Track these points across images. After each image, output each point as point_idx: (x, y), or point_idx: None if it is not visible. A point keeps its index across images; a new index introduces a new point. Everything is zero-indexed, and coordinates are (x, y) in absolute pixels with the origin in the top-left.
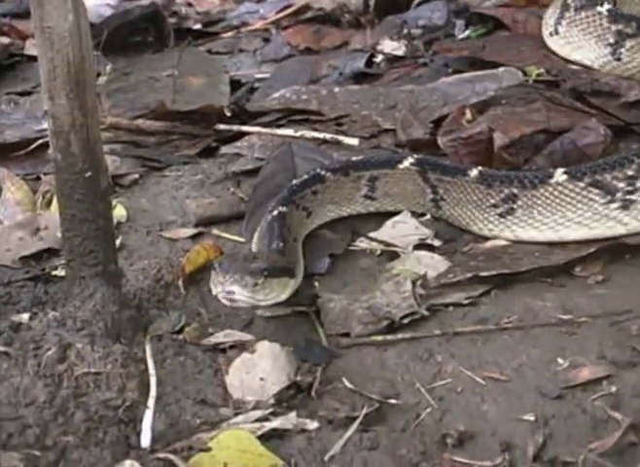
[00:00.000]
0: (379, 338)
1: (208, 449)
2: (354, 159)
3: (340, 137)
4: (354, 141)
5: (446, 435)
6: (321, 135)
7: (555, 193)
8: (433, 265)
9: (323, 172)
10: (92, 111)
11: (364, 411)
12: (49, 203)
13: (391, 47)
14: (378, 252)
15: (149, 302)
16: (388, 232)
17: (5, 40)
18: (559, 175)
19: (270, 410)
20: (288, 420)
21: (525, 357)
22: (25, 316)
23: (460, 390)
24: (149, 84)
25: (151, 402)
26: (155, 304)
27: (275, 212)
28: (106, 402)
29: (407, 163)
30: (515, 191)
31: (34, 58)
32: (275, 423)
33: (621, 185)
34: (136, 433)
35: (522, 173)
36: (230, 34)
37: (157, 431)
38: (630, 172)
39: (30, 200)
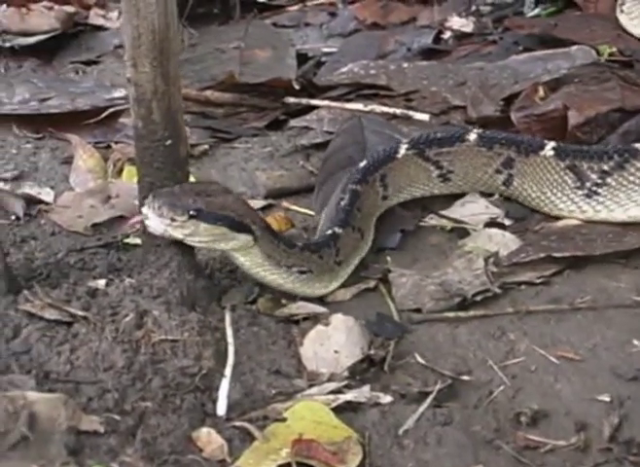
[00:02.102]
0: (451, 314)
1: (283, 420)
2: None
3: (411, 113)
4: (425, 117)
5: (520, 413)
6: (391, 110)
7: None
8: (504, 243)
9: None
10: (175, 79)
11: (437, 386)
12: (120, 172)
13: (459, 23)
14: (449, 228)
15: (220, 271)
16: (458, 210)
17: (70, 9)
18: None
19: (344, 382)
20: (362, 393)
21: (599, 338)
22: (102, 282)
23: (533, 369)
24: (215, 55)
25: (228, 370)
26: (226, 274)
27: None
28: (183, 369)
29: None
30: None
31: (98, 28)
32: (349, 396)
33: None
34: (212, 401)
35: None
36: (295, 8)
37: (232, 400)
38: None
39: (101, 168)
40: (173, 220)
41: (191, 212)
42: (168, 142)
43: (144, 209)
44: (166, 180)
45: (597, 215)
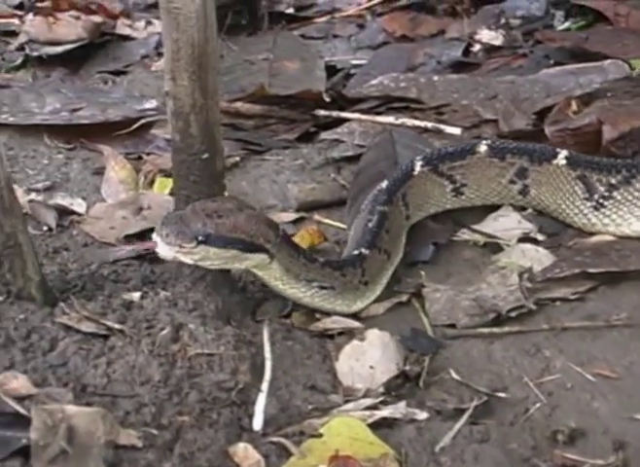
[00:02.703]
0: (486, 330)
1: (319, 435)
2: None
3: (442, 126)
4: (456, 130)
5: (557, 431)
6: (422, 124)
7: None
8: (538, 258)
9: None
10: (213, 93)
11: (473, 403)
12: (151, 183)
13: (489, 36)
14: (481, 243)
15: (254, 284)
16: (490, 224)
17: (97, 19)
18: None
19: (380, 398)
20: (397, 409)
21: (636, 355)
22: (136, 295)
23: (569, 386)
24: (244, 67)
25: (265, 385)
26: (259, 287)
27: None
28: (219, 384)
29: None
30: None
31: (124, 38)
32: (385, 412)
33: None
34: (248, 416)
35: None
36: (323, 19)
37: (268, 415)
38: None
39: (133, 180)
40: (182, 247)
41: (199, 238)
42: (205, 155)
43: (153, 236)
44: (202, 193)
45: (605, 228)
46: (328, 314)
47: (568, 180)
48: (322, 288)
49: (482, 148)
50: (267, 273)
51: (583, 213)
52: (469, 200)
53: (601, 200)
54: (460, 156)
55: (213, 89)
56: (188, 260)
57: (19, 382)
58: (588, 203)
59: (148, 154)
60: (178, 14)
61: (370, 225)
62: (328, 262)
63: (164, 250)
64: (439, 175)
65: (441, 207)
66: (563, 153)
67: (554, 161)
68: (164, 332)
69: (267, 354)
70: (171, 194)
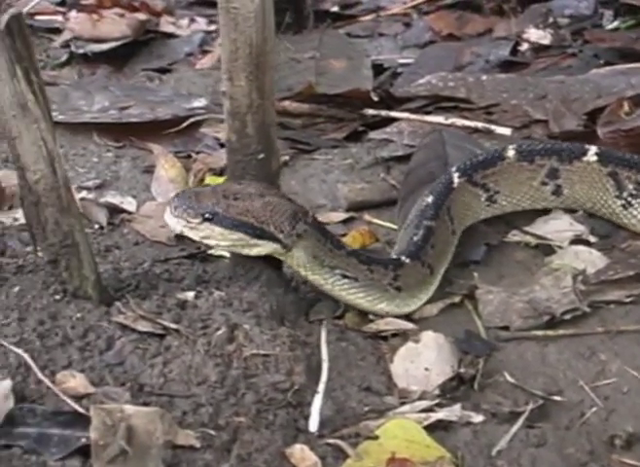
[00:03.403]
0: (540, 333)
1: (375, 438)
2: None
3: (492, 126)
4: (507, 131)
5: (614, 436)
6: (472, 124)
7: None
8: (591, 261)
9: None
10: (269, 93)
11: (529, 406)
12: (201, 182)
13: (537, 35)
14: (533, 245)
15: (306, 285)
16: (541, 226)
17: (141, 16)
18: None
19: (436, 401)
20: (453, 412)
21: None
22: (191, 294)
23: (626, 390)
24: (291, 65)
25: (321, 387)
26: (311, 287)
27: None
28: (275, 384)
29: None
30: None
31: (168, 35)
32: (441, 414)
33: None
34: (304, 417)
35: None
36: (368, 17)
37: (324, 416)
38: None
39: (183, 178)
40: (188, 221)
41: (205, 216)
42: (261, 156)
43: (167, 207)
44: None
45: (634, 227)
46: (380, 317)
47: (600, 177)
48: (344, 277)
49: (511, 153)
50: (290, 259)
51: (614, 211)
52: (501, 208)
53: (629, 198)
54: (491, 163)
55: (270, 89)
56: (193, 235)
57: (77, 381)
58: (619, 201)
59: (197, 152)
60: (237, 14)
61: (415, 238)
62: (355, 252)
63: (172, 222)
64: (474, 185)
65: (475, 218)
66: (593, 149)
67: (585, 158)
68: (220, 332)
69: (324, 355)
70: None
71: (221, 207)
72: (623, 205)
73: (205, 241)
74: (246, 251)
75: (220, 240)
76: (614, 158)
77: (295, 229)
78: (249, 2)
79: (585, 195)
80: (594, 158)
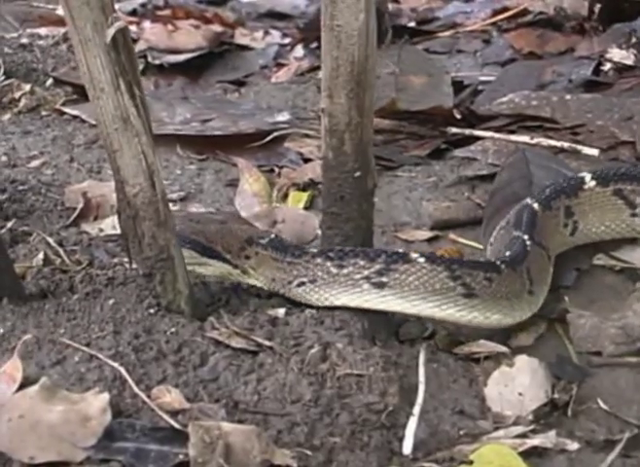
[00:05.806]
0: (633, 359)
1: (470, 462)
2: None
3: (579, 147)
4: (594, 152)
5: None
6: (558, 144)
7: None
8: None
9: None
10: (369, 111)
11: (625, 435)
12: (285, 197)
13: (620, 55)
14: (619, 269)
15: None
16: (628, 252)
17: (217, 28)
18: None
19: (530, 426)
20: (548, 439)
21: None
22: (281, 311)
23: None
24: None
25: (416, 409)
26: None
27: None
28: (369, 405)
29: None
30: None
31: (243, 47)
32: (536, 441)
33: None
34: (397, 439)
35: None
36: (447, 34)
37: (417, 439)
38: None
39: (267, 192)
40: None
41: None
42: (357, 174)
43: None
44: (352, 212)
45: None
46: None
47: None
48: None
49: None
50: (254, 280)
51: None
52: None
53: None
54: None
55: (369, 107)
56: None
57: (173, 396)
58: None
59: (280, 167)
60: (340, 31)
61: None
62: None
63: None
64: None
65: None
66: None
67: None
68: (313, 350)
69: (422, 377)
70: (305, 208)
71: (179, 227)
72: None
73: None
74: (202, 270)
75: None
76: None
77: (244, 250)
78: (353, 20)
79: None
80: None
